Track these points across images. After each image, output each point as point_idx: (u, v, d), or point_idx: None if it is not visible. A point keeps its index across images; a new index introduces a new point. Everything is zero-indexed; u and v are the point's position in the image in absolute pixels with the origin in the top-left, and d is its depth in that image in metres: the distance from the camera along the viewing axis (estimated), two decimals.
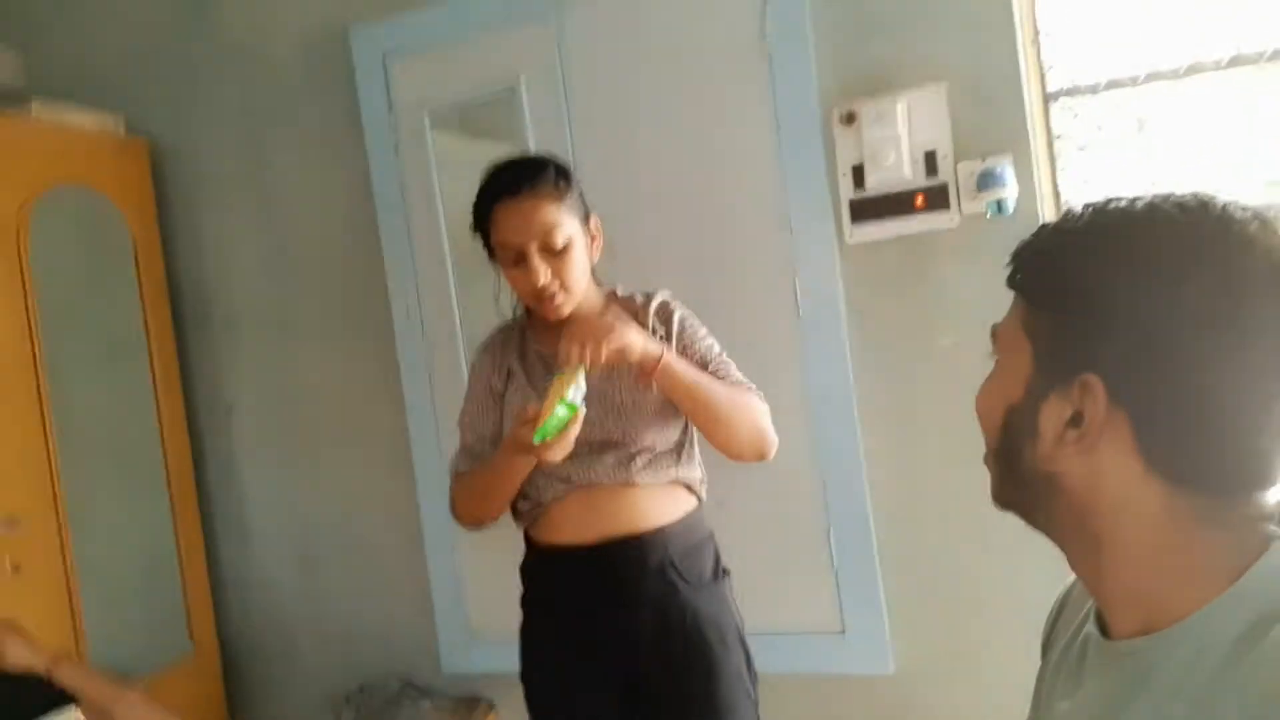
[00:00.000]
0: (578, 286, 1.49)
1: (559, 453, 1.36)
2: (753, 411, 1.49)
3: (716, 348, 1.55)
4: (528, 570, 1.61)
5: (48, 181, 2.36)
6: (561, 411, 1.33)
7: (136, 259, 2.57)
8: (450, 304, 2.35)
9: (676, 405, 1.47)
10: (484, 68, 2.24)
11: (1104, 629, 0.72)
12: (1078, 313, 0.67)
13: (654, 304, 1.56)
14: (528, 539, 1.60)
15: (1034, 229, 0.74)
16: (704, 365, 1.51)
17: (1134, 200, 0.69)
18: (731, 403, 1.47)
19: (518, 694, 2.29)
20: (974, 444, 1.78)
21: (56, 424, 2.29)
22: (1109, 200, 0.70)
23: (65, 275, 2.40)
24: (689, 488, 1.55)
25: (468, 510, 1.58)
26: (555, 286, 1.46)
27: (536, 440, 1.33)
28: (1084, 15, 2.00)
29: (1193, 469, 0.65)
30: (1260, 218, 0.64)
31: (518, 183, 1.47)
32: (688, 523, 1.53)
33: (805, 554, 1.98)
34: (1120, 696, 0.66)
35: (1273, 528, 0.66)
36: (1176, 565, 0.66)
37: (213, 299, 2.68)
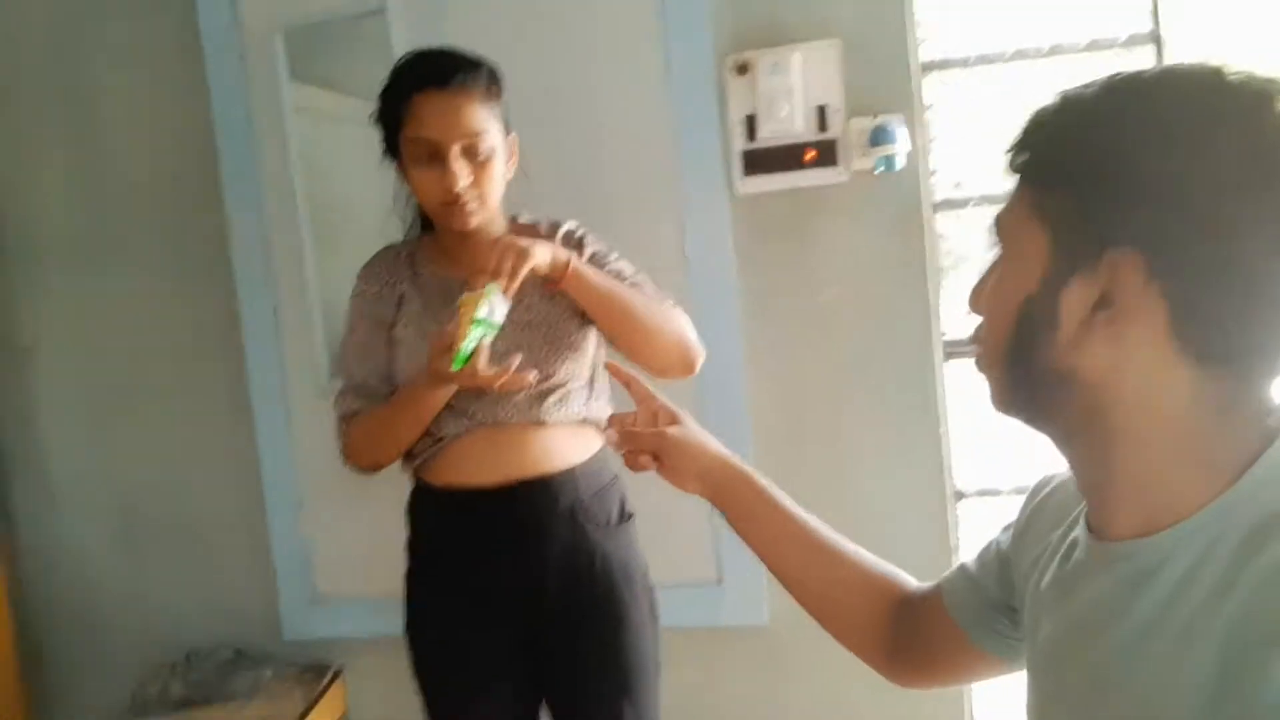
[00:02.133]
0: (493, 199, 1.39)
1: (485, 381, 1.27)
2: (673, 319, 1.42)
3: (630, 268, 1.48)
4: (418, 513, 1.50)
5: None
6: (478, 333, 1.24)
7: None
8: (302, 247, 2.15)
9: (591, 315, 1.39)
10: None
11: (1095, 535, 0.69)
12: (1101, 186, 0.63)
13: (561, 231, 1.49)
14: (419, 480, 1.49)
15: (1030, 115, 0.69)
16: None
17: (1140, 70, 0.66)
18: (649, 310, 1.40)
19: (368, 659, 2.19)
20: (852, 396, 1.88)
21: None
22: (1114, 74, 0.66)
23: None
24: (597, 427, 1.50)
25: (366, 453, 1.45)
26: (471, 195, 1.35)
27: (456, 368, 1.23)
28: None
29: (1226, 348, 0.62)
30: (1273, 79, 0.62)
31: (448, 74, 1.35)
32: (595, 463, 1.47)
33: (684, 502, 1.97)
34: (1121, 597, 0.64)
35: (1274, 420, 0.64)
36: (1194, 456, 0.63)
37: (7, 224, 2.34)
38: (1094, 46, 1.93)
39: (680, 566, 1.97)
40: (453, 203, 1.35)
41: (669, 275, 1.91)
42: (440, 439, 1.41)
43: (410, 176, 1.39)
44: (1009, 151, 0.69)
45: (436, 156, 1.34)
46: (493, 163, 1.37)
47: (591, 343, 1.48)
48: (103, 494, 2.34)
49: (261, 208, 2.16)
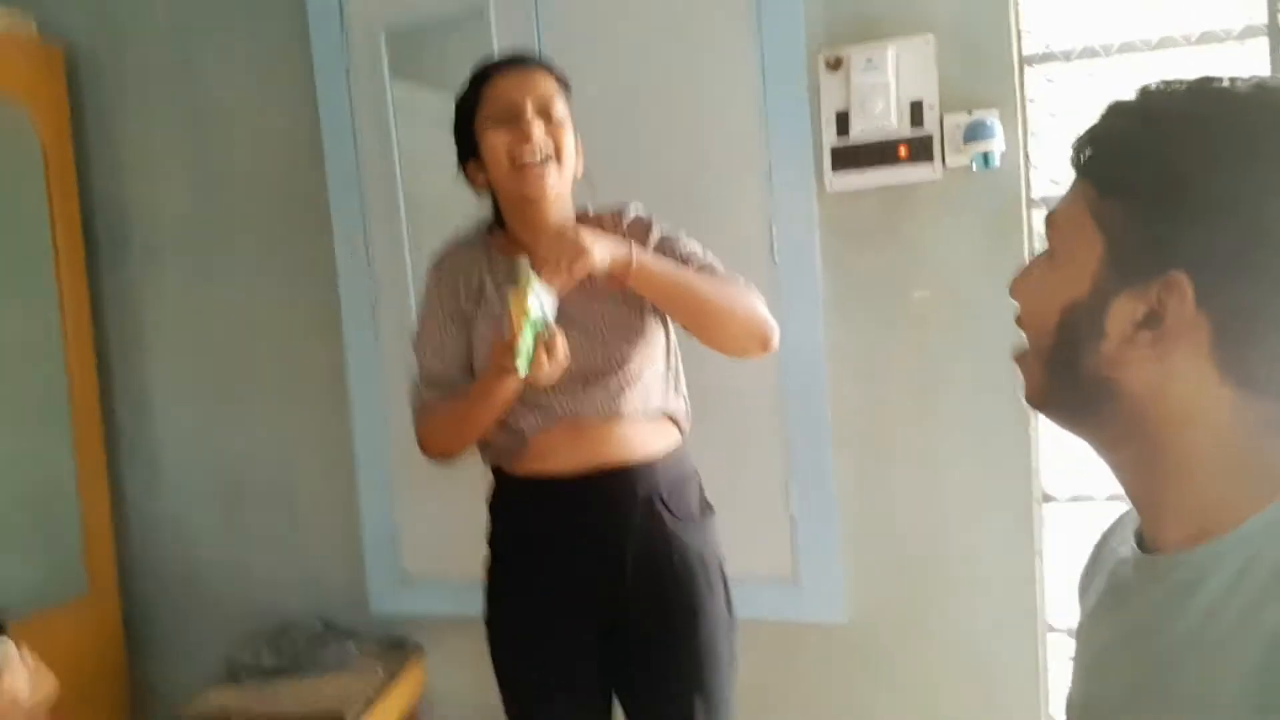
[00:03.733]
0: (566, 169, 1.41)
1: (552, 373, 1.29)
2: (744, 297, 1.41)
3: (699, 249, 1.48)
4: (499, 504, 1.53)
5: None
6: (531, 330, 1.25)
7: (47, 174, 2.35)
8: (401, 242, 2.23)
9: (660, 308, 1.40)
10: None
11: (1145, 547, 0.69)
12: (1169, 205, 0.60)
13: (627, 219, 1.49)
14: (500, 473, 1.52)
15: (1104, 110, 0.67)
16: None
17: (1233, 80, 0.62)
18: (718, 292, 1.39)
19: (449, 639, 2.25)
20: (939, 399, 1.84)
21: None
22: (1202, 79, 0.63)
23: None
24: (674, 421, 1.51)
25: (440, 444, 1.48)
26: (548, 149, 1.37)
27: (522, 372, 1.25)
28: None
29: (1270, 378, 0.61)
30: None
31: (521, 58, 1.44)
32: (675, 456, 1.48)
33: (764, 500, 1.97)
34: (1167, 607, 0.64)
35: None
36: (1238, 472, 0.63)
37: (132, 221, 2.48)
38: (1206, 39, 1.84)
39: (758, 562, 1.96)
40: (528, 163, 1.37)
41: (756, 272, 1.92)
42: (520, 432, 1.44)
43: (485, 149, 1.41)
44: (1076, 145, 0.67)
45: (511, 117, 1.38)
46: (566, 130, 1.40)
47: (663, 334, 1.49)
48: (208, 473, 2.46)
49: (363, 204, 2.25)
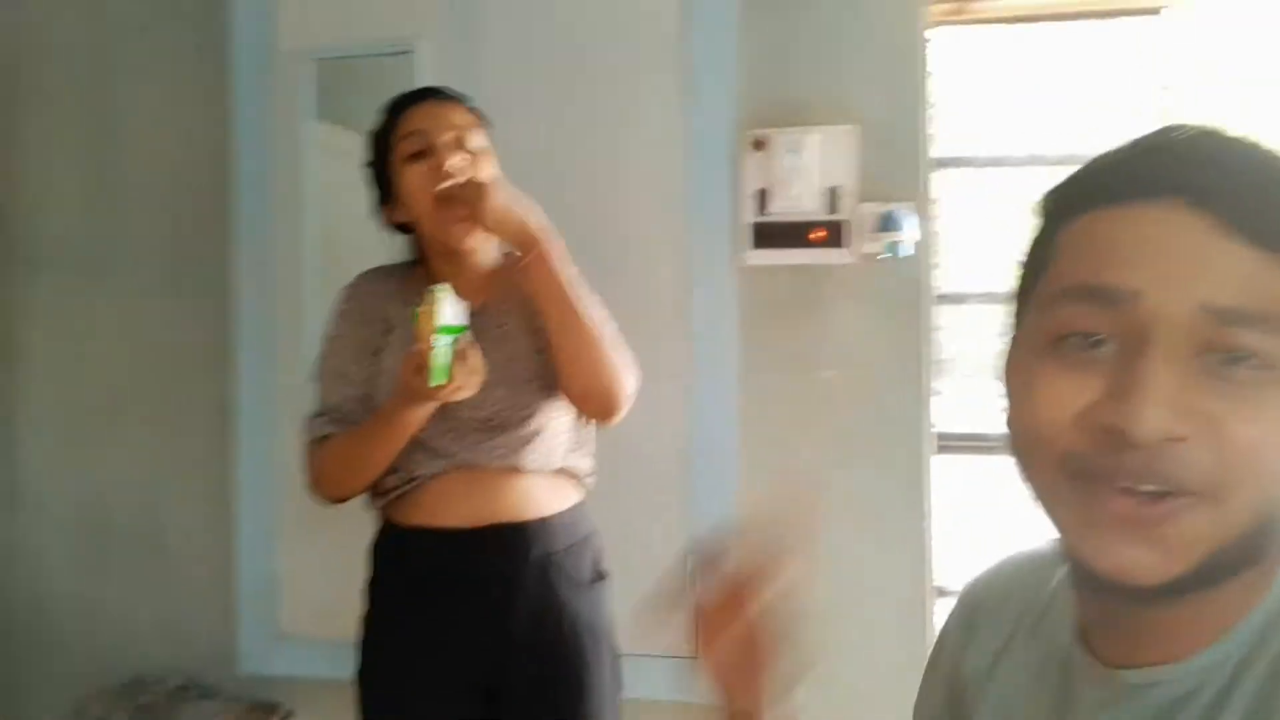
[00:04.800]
0: (492, 197, 1.35)
1: (468, 388, 1.25)
2: (619, 352, 1.40)
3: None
4: (382, 551, 1.45)
5: None
6: (445, 341, 1.22)
7: None
8: (303, 278, 2.15)
9: (541, 306, 1.36)
10: (381, 22, 2.11)
11: (1101, 657, 0.59)
12: None
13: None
14: (386, 519, 1.45)
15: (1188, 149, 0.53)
16: None
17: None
18: (600, 330, 1.37)
19: (321, 702, 2.12)
20: (844, 477, 1.85)
21: None
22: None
23: None
24: (577, 479, 1.47)
25: (334, 478, 1.40)
26: (468, 177, 1.34)
27: (434, 382, 1.21)
28: (971, 94, 2.14)
29: None
30: None
31: (439, 91, 1.44)
32: (573, 516, 1.44)
33: (660, 565, 1.93)
34: None
35: None
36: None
37: (20, 231, 2.34)
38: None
39: (653, 636, 1.91)
40: (447, 196, 1.34)
41: (671, 341, 1.93)
42: (414, 478, 1.38)
43: (403, 186, 1.39)
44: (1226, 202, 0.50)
45: (427, 150, 1.36)
46: (485, 160, 1.39)
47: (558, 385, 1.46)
48: (69, 504, 2.30)
49: (269, 234, 2.17)
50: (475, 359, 1.25)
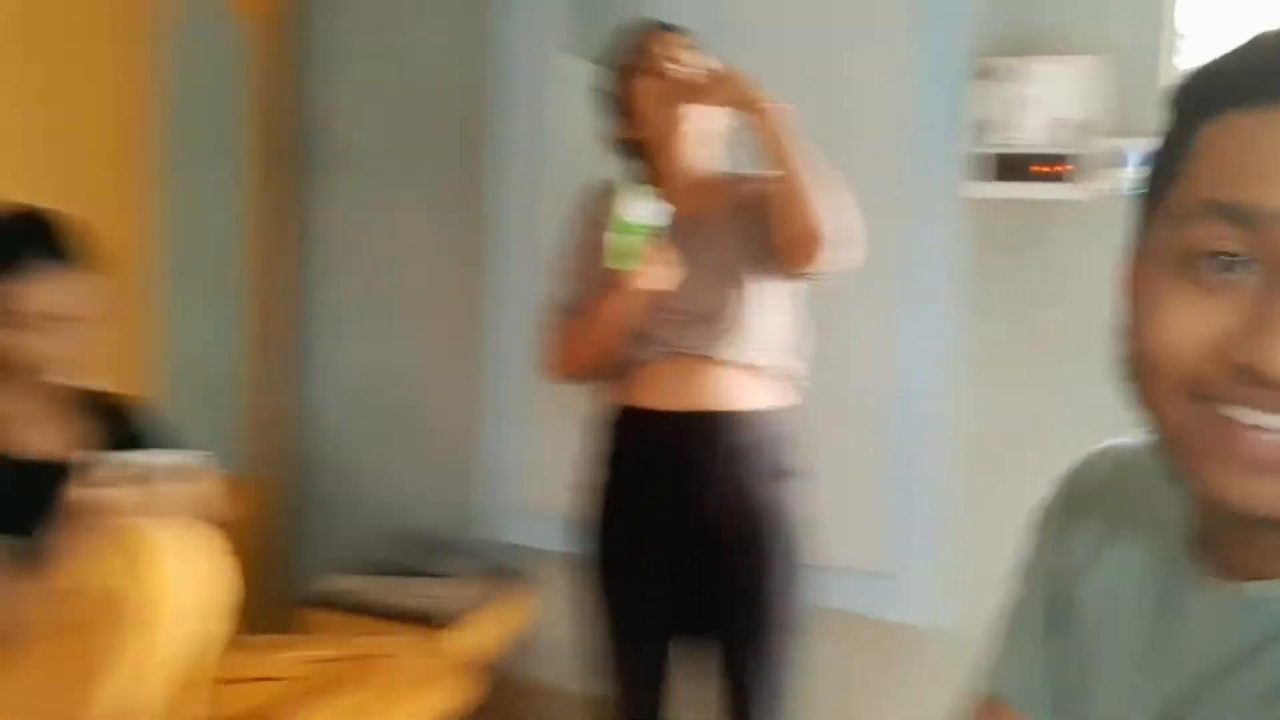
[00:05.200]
0: (703, 124, 1.50)
1: (655, 277, 1.41)
2: (838, 200, 1.49)
3: None
4: (609, 426, 1.62)
5: None
6: (627, 232, 1.37)
7: (251, 83, 2.56)
8: (541, 194, 2.35)
9: (771, 153, 1.47)
10: None
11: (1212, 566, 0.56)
12: None
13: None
14: (611, 399, 1.61)
15: None
16: None
17: None
18: (821, 178, 1.47)
19: (556, 570, 2.37)
20: (1058, 417, 1.82)
21: (162, 234, 2.34)
22: None
23: (195, 89, 2.43)
24: (781, 379, 1.56)
25: (564, 356, 1.58)
26: (683, 87, 1.49)
27: (611, 265, 1.38)
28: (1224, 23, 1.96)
29: None
30: None
31: (667, 25, 1.58)
32: (773, 415, 1.54)
33: (867, 490, 2.02)
34: (1249, 650, 0.52)
35: None
36: None
37: (326, 138, 2.69)
38: None
39: (853, 552, 1.98)
40: (673, 88, 1.50)
41: (892, 260, 1.93)
42: (633, 362, 1.54)
43: (632, 99, 1.55)
44: None
45: (654, 69, 1.52)
46: (697, 88, 1.51)
47: (782, 291, 1.55)
48: (350, 379, 2.69)
49: (517, 149, 2.39)
50: (663, 255, 1.40)
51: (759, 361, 1.53)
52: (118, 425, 1.52)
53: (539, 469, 2.43)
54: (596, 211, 1.57)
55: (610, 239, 1.40)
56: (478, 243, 2.47)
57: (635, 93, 1.54)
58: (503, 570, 2.41)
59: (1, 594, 1.20)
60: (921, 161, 1.94)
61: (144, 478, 1.21)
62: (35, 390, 1.41)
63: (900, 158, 1.96)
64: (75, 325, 1.38)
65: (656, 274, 1.42)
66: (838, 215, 1.47)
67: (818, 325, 1.64)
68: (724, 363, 1.50)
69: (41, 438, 1.42)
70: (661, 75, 1.50)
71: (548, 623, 2.41)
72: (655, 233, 1.41)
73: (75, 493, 1.20)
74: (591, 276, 1.56)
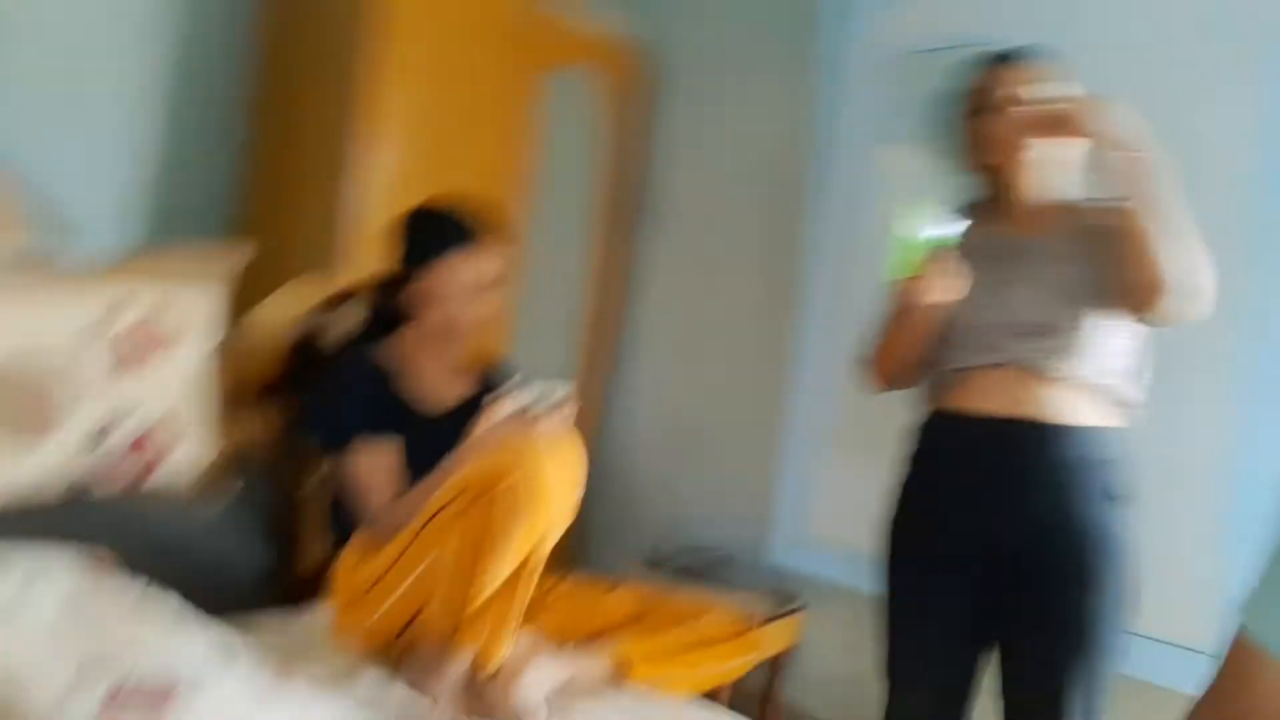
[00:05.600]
0: (1052, 154, 1.48)
1: (931, 290, 1.45)
2: (1190, 255, 1.42)
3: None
4: (921, 432, 1.64)
5: (555, 63, 2.77)
6: (909, 247, 1.43)
7: (604, 146, 2.94)
8: (856, 254, 2.51)
9: (1126, 190, 1.42)
10: (971, 20, 2.36)
11: None
12: None
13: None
14: (932, 404, 1.63)
15: None
16: None
17: None
18: (1179, 233, 1.41)
19: (830, 603, 2.43)
20: None
21: (520, 264, 2.69)
22: None
23: (560, 140, 2.83)
24: (1117, 404, 1.52)
25: (878, 361, 1.64)
26: (1023, 130, 1.48)
27: (892, 276, 1.43)
28: None
29: None
30: None
31: (1019, 53, 1.58)
32: (1100, 434, 1.50)
33: (1191, 560, 1.90)
34: None
35: None
36: None
37: (660, 195, 3.03)
38: None
39: (1166, 620, 1.83)
40: (1006, 144, 1.52)
41: (1239, 323, 1.87)
42: (962, 368, 1.55)
43: (979, 134, 1.58)
44: None
45: (1000, 105, 1.53)
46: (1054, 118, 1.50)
47: (1105, 319, 1.51)
48: (669, 407, 2.94)
49: (835, 209, 2.57)
50: (935, 267, 1.45)
51: (1093, 380, 1.50)
52: (493, 377, 1.82)
53: (829, 503, 2.51)
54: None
55: (895, 252, 1.48)
56: (788, 291, 2.66)
57: (977, 129, 1.59)
58: (780, 593, 2.47)
59: (412, 499, 1.49)
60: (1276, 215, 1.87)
61: (530, 404, 1.46)
62: (454, 351, 1.74)
63: (1254, 211, 1.91)
64: (496, 293, 1.69)
65: (944, 287, 1.46)
66: (1187, 265, 1.41)
67: (1155, 370, 1.59)
68: (1057, 378, 1.49)
69: (450, 391, 1.74)
70: (1003, 112, 1.53)
71: (818, 653, 2.45)
72: (939, 247, 1.45)
73: (480, 423, 1.48)
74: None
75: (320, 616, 1.56)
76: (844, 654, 2.33)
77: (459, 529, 1.37)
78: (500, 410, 1.47)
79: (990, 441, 1.52)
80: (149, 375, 1.52)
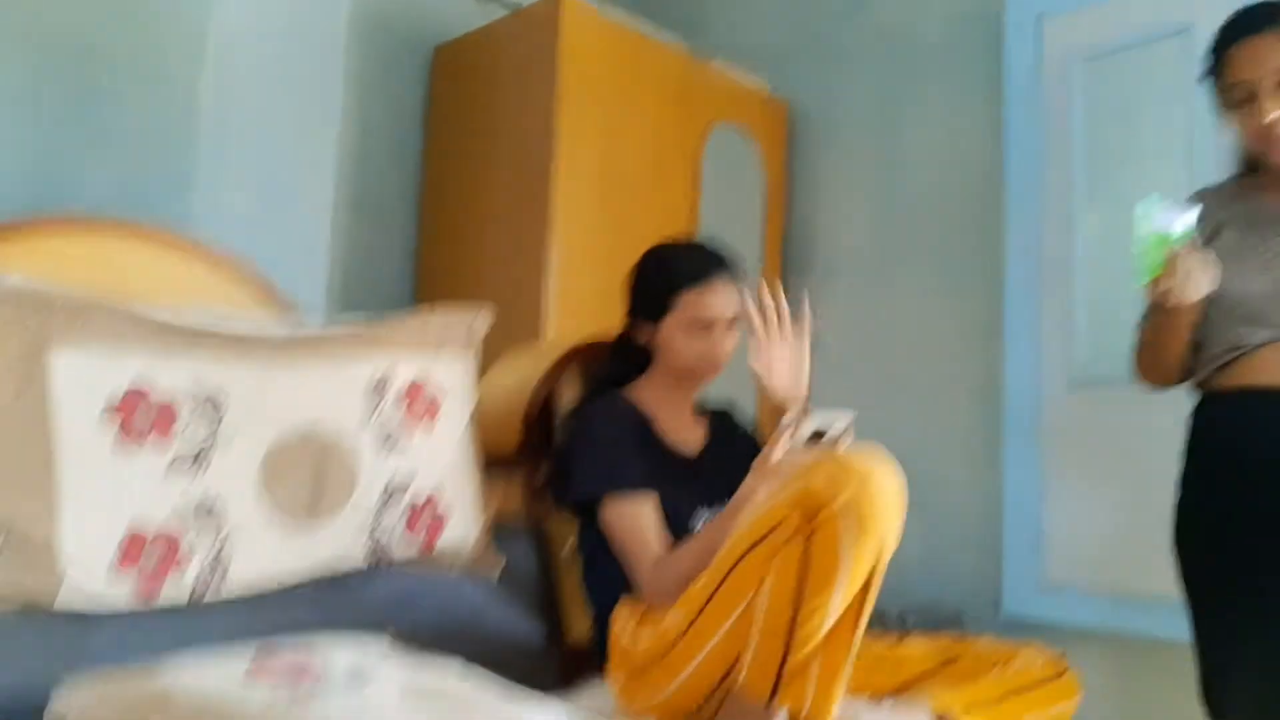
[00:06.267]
0: None
1: (1178, 291, 1.36)
2: None
3: None
4: (1200, 417, 1.56)
5: (716, 118, 2.82)
6: (1150, 246, 1.35)
7: (766, 199, 2.94)
8: (1072, 251, 2.38)
9: None
10: (1148, 14, 2.29)
11: None
12: None
13: None
14: (1209, 387, 1.55)
15: None
16: None
17: None
18: None
19: (1084, 651, 2.22)
20: None
21: None
22: None
23: (719, 191, 2.82)
24: None
25: (1144, 367, 1.61)
26: None
27: (1141, 281, 1.36)
28: None
29: None
30: None
31: (1258, 21, 1.48)
32: None
33: None
34: None
35: None
36: None
37: (818, 245, 2.98)
38: None
39: None
40: (1266, 134, 1.44)
41: None
42: (1240, 347, 1.48)
43: (1233, 119, 1.51)
44: None
45: (1251, 95, 1.45)
46: None
47: None
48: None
49: (1039, 231, 2.45)
50: (1188, 263, 1.36)
51: None
52: (722, 416, 1.73)
53: (1065, 542, 2.33)
54: (1204, 224, 1.54)
55: (1135, 255, 1.40)
56: (992, 326, 2.53)
57: (1226, 114, 1.52)
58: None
59: (694, 551, 1.38)
60: None
61: (822, 435, 1.35)
62: (693, 392, 1.66)
63: None
64: (734, 329, 1.62)
65: (1202, 280, 1.39)
66: None
67: None
68: None
69: (693, 434, 1.65)
70: (1252, 103, 1.46)
71: (1091, 704, 2.22)
72: (1177, 241, 1.38)
73: (775, 455, 1.37)
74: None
75: (603, 693, 1.44)
76: (1118, 705, 2.13)
77: (776, 568, 1.21)
78: (795, 438, 1.37)
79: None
80: (418, 447, 1.47)
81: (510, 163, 2.48)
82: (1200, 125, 2.12)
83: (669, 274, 1.63)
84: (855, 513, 1.17)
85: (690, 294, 1.59)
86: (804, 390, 1.58)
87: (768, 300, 1.55)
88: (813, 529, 1.19)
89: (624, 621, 1.43)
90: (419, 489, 1.44)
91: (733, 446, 1.69)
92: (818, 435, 1.36)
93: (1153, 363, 1.59)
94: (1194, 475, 1.57)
